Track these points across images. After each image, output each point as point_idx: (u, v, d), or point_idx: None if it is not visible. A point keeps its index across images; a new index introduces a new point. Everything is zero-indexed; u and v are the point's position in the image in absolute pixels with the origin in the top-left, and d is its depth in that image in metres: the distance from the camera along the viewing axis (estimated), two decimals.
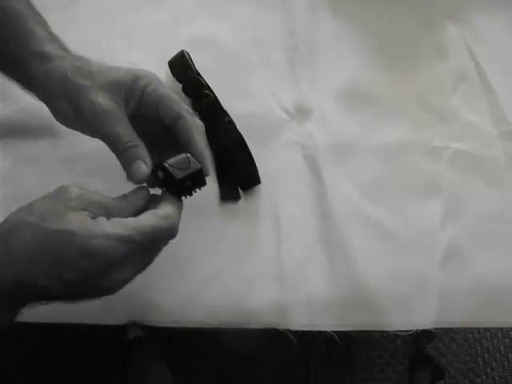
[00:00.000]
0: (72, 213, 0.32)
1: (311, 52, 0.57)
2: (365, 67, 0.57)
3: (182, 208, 0.37)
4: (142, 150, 0.38)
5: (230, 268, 0.47)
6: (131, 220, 0.34)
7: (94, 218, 0.33)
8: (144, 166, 0.37)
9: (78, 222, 0.32)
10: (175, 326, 0.45)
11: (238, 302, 0.46)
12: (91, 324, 0.44)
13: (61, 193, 0.34)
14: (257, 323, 0.46)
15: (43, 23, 0.40)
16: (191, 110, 0.41)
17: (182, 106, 0.40)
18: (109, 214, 0.34)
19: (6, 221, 0.33)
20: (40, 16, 0.40)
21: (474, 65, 0.59)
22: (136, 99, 0.39)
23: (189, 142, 0.39)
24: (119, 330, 0.97)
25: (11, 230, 0.32)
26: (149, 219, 0.34)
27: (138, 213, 0.36)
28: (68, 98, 0.37)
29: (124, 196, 0.37)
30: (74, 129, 0.41)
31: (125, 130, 0.38)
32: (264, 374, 1.10)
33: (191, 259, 0.46)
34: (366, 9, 0.60)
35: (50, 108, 0.40)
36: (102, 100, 0.37)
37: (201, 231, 0.47)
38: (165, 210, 0.35)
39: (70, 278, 0.31)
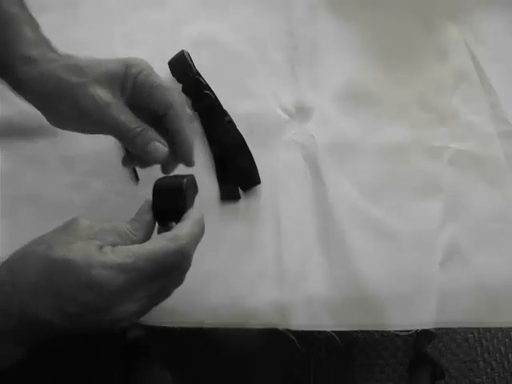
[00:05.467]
0: (79, 242, 0.31)
1: (311, 52, 0.57)
2: (365, 67, 0.57)
3: (198, 228, 0.34)
4: (153, 132, 0.38)
5: (230, 268, 0.47)
6: (135, 246, 0.32)
7: (102, 247, 0.31)
8: (161, 145, 0.37)
9: (82, 251, 0.30)
10: (175, 325, 0.45)
11: (238, 301, 0.46)
12: None
13: (70, 224, 0.33)
14: (257, 323, 0.46)
15: (33, 25, 0.39)
16: (184, 102, 0.41)
17: (175, 94, 0.39)
18: (122, 239, 0.33)
19: (15, 252, 0.32)
20: (31, 17, 0.40)
21: (474, 65, 0.59)
22: (129, 88, 0.38)
23: (177, 132, 0.39)
24: (119, 330, 0.97)
25: (18, 260, 0.31)
26: (154, 243, 0.32)
27: (152, 230, 0.35)
28: (65, 98, 0.37)
29: (133, 217, 0.35)
30: (71, 129, 0.40)
31: (130, 118, 0.37)
32: (264, 374, 1.09)
33: None
34: (366, 9, 0.60)
35: (44, 112, 0.39)
36: (101, 93, 0.36)
37: None
38: (174, 231, 0.33)
39: (71, 311, 0.30)
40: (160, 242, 0.32)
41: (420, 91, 0.57)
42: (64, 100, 0.37)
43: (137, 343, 0.94)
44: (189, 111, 0.42)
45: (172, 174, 0.41)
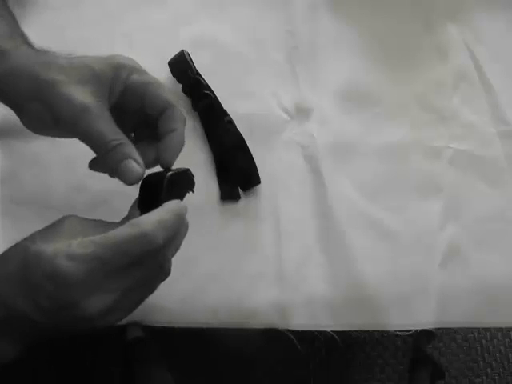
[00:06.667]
0: (59, 238, 0.31)
1: (311, 52, 0.57)
2: (365, 67, 0.57)
3: (170, 217, 0.32)
4: (130, 148, 0.34)
5: (229, 268, 0.47)
6: (99, 236, 0.30)
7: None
8: (136, 165, 0.34)
9: (55, 244, 0.30)
10: (175, 326, 0.45)
11: (238, 301, 0.46)
12: None
13: (58, 221, 0.32)
14: (257, 323, 0.46)
15: (8, 19, 0.37)
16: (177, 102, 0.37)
17: (170, 94, 0.37)
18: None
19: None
20: (7, 11, 0.38)
21: (474, 65, 0.59)
22: (118, 91, 0.35)
23: (171, 131, 0.36)
24: (119, 330, 0.97)
25: (4, 253, 0.31)
26: (116, 230, 0.30)
27: None
28: (39, 97, 0.33)
29: (125, 216, 0.35)
30: (45, 134, 0.38)
31: (108, 127, 0.34)
32: (264, 374, 1.10)
33: (191, 259, 0.46)
34: (366, 9, 0.60)
35: (17, 112, 0.36)
36: (80, 95, 0.33)
37: (201, 231, 0.47)
38: (139, 218, 0.31)
39: (44, 305, 0.29)
40: (121, 229, 0.30)
41: (420, 91, 0.57)
42: (36, 99, 0.33)
43: (137, 344, 0.94)
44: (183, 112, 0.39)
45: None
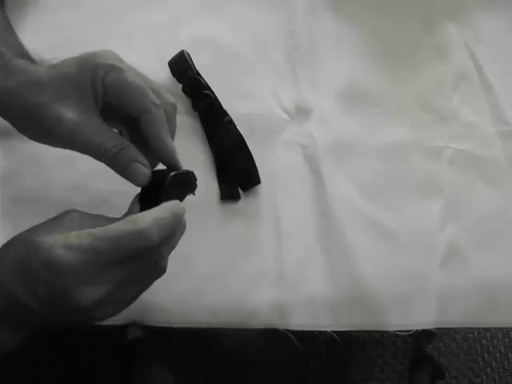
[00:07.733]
0: (59, 230, 0.31)
1: (311, 52, 0.57)
2: (365, 67, 0.57)
3: (167, 215, 0.32)
4: (133, 151, 0.35)
5: (229, 268, 0.47)
6: (97, 229, 0.30)
7: None
8: (142, 167, 0.35)
9: (54, 235, 0.30)
10: (175, 326, 0.45)
11: (238, 302, 0.46)
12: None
13: (60, 214, 0.33)
14: (257, 323, 0.46)
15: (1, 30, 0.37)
16: (158, 104, 0.35)
17: (149, 96, 0.35)
18: None
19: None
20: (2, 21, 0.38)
21: (474, 65, 0.59)
22: (100, 94, 0.34)
23: (155, 139, 0.35)
24: (119, 330, 0.97)
25: (6, 243, 0.32)
26: (114, 225, 0.31)
27: None
28: (29, 120, 0.34)
29: (126, 212, 0.35)
30: (44, 144, 0.38)
31: (104, 135, 0.34)
32: (264, 373, 1.10)
33: (191, 259, 0.46)
34: (366, 9, 0.60)
35: (15, 127, 0.37)
36: (68, 112, 0.33)
37: (201, 231, 0.47)
38: (137, 214, 0.32)
39: (41, 293, 0.30)
40: (118, 224, 0.31)
41: (420, 91, 0.57)
42: (28, 122, 0.34)
43: (137, 344, 0.94)
44: (172, 102, 0.38)
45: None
